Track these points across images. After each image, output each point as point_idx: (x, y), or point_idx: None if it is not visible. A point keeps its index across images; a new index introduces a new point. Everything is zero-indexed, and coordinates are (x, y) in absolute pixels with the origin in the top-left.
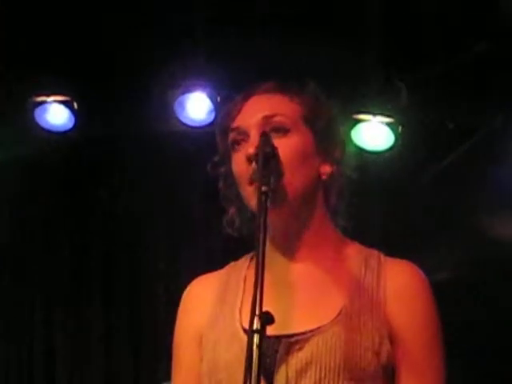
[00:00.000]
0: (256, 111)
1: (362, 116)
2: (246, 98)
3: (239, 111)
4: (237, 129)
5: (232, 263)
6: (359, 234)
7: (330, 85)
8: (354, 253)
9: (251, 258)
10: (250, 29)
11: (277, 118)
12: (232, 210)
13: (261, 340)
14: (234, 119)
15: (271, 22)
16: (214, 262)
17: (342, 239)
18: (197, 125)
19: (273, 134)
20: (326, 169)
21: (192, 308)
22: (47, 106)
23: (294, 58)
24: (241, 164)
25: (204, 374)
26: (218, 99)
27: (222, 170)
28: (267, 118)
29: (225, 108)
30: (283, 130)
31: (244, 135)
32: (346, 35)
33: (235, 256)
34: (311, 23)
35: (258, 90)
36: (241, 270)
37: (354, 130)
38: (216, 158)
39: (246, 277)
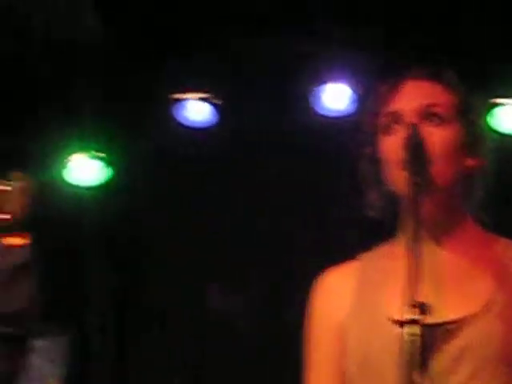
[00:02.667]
0: (414, 98)
1: (499, 100)
2: (400, 83)
3: (395, 95)
4: (392, 113)
5: (364, 254)
6: (506, 225)
7: (466, 70)
8: (500, 246)
9: (390, 246)
10: (390, 20)
11: (436, 108)
12: (372, 193)
13: (420, 330)
14: (388, 103)
15: (414, 11)
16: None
17: (485, 233)
18: (337, 115)
19: (427, 122)
20: (472, 162)
21: (328, 300)
22: (187, 102)
23: (430, 46)
24: (393, 148)
25: (351, 365)
26: (359, 90)
27: (367, 150)
28: (427, 107)
29: (377, 90)
30: (439, 120)
31: (399, 120)
32: (477, 17)
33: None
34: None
35: (411, 76)
36: (379, 259)
37: (492, 115)
38: (361, 138)
39: (387, 266)
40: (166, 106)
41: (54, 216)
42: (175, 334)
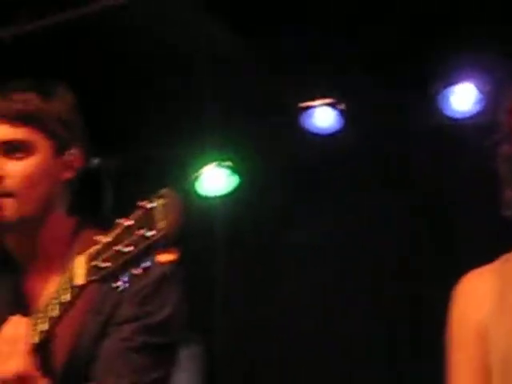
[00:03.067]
0: None
1: None
2: None
3: None
4: None
5: (505, 256)
6: None
7: None
8: None
9: None
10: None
11: None
12: (510, 191)
13: None
14: None
15: None
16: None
17: None
18: (464, 116)
19: None
20: None
21: (468, 300)
22: (314, 109)
23: None
24: None
25: (496, 366)
26: (486, 89)
27: (504, 149)
28: None
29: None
30: None
31: None
32: None
33: None
34: None
35: None
36: None
37: None
38: (497, 137)
39: None
40: (293, 114)
41: (189, 228)
42: None
